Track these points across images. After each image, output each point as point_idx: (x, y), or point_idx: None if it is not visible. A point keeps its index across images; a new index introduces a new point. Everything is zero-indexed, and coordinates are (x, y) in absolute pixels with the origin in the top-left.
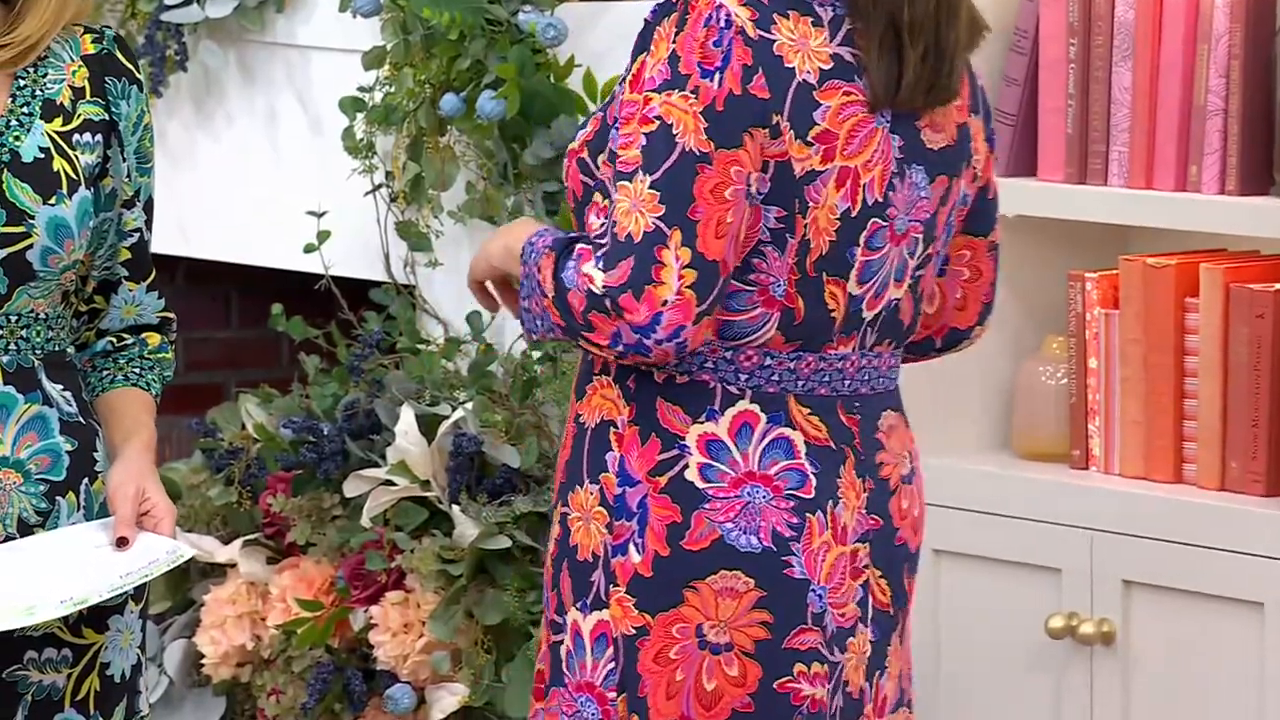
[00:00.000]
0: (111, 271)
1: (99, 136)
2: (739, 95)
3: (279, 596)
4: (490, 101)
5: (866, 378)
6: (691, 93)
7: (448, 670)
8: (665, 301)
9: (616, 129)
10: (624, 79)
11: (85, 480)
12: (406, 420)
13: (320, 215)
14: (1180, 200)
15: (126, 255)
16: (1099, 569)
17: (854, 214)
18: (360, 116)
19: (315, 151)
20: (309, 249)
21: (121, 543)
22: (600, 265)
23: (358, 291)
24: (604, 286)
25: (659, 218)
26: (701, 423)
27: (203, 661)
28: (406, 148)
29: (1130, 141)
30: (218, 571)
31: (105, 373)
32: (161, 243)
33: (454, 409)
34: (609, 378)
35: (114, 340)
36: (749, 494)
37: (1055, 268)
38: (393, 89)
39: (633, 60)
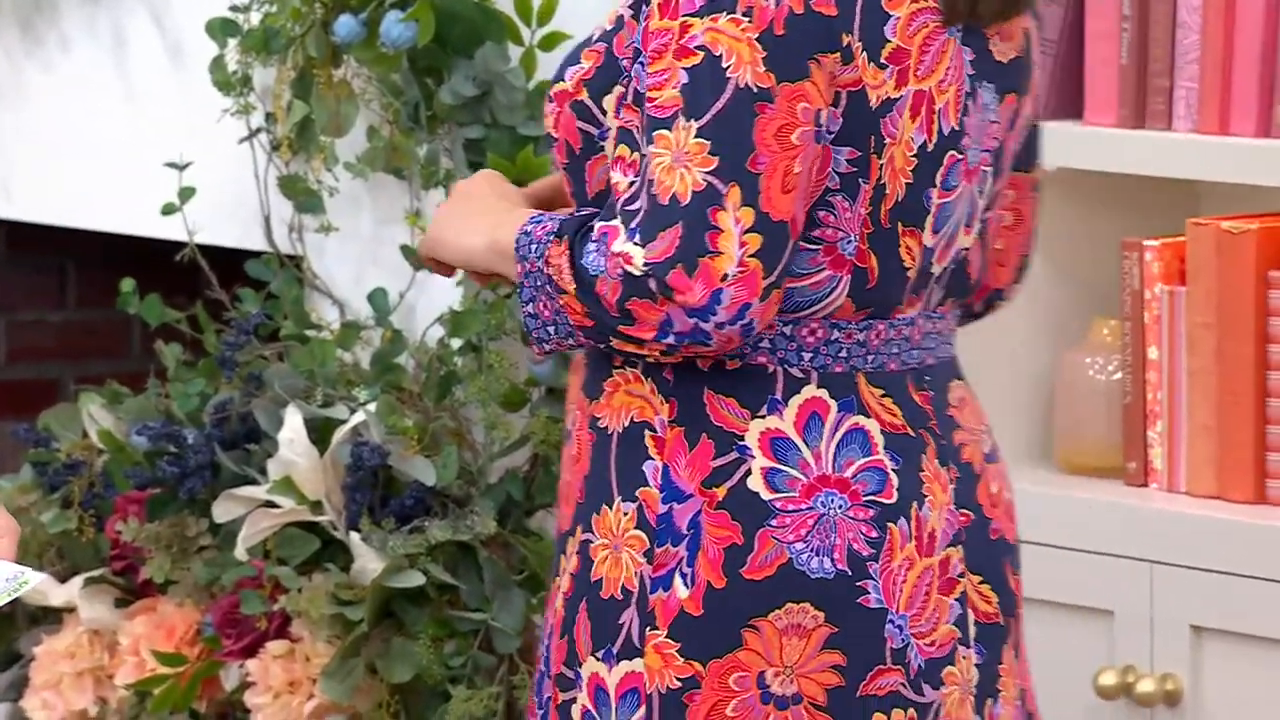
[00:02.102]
0: None
1: None
2: (800, 14)
3: (130, 648)
4: (397, 25)
5: (932, 344)
6: (743, 15)
7: None
8: (726, 275)
9: (644, 65)
10: (645, 3)
11: None
12: (292, 426)
13: (182, 168)
14: (1263, 149)
15: None
16: (1161, 612)
17: (930, 148)
18: (233, 43)
19: (176, 87)
20: (168, 210)
21: None
22: (637, 239)
23: (230, 263)
24: (647, 264)
25: (710, 172)
26: (763, 416)
27: None
28: (292, 83)
29: (1200, 75)
30: (52, 617)
31: None
32: None
33: (352, 411)
34: (635, 370)
35: None
36: (824, 504)
37: (1106, 234)
38: (274, 8)
39: None
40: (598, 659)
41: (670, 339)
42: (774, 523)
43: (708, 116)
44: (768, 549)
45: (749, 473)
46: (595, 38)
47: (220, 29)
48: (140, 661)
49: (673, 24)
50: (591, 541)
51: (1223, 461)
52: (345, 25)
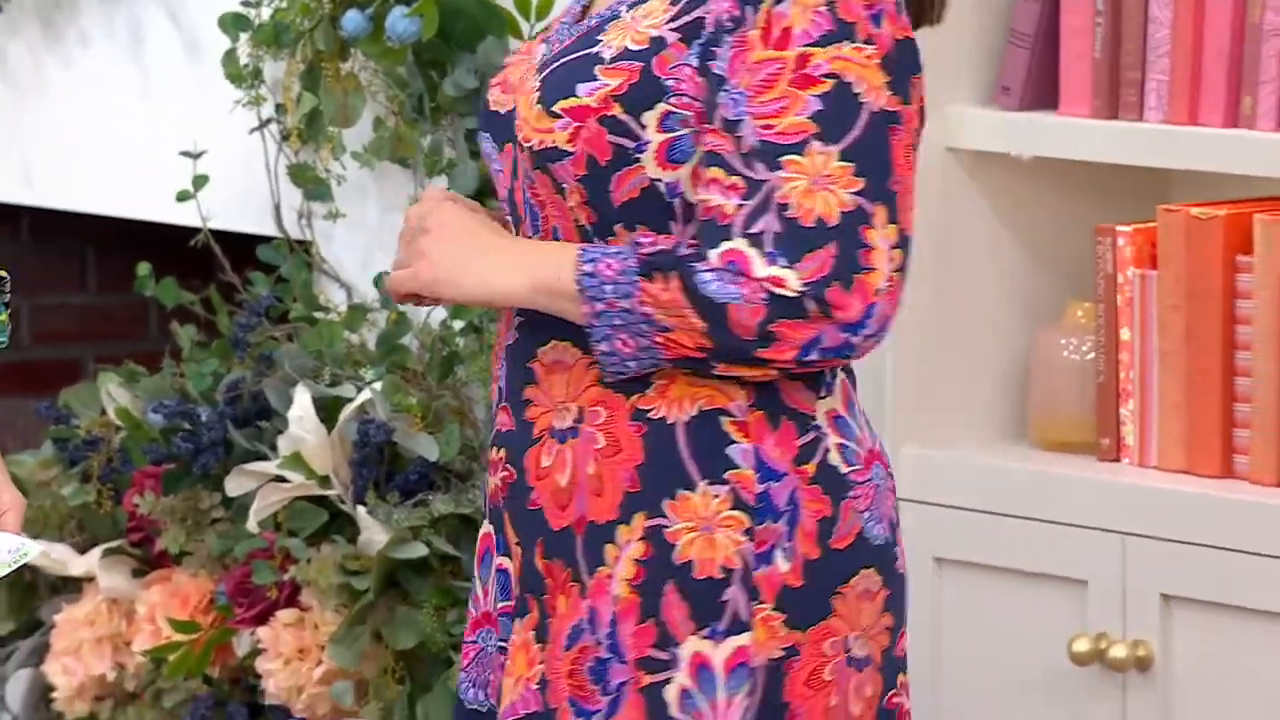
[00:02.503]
0: None
1: None
2: (900, 40)
3: (147, 616)
4: (402, 20)
5: None
6: (865, 43)
7: (351, 704)
8: (878, 290)
9: (735, 94)
10: (726, 33)
11: None
12: (301, 404)
13: (197, 156)
14: (1230, 138)
15: None
16: (1133, 581)
17: None
18: (245, 37)
19: (190, 80)
20: (183, 197)
21: None
22: (782, 261)
23: (242, 249)
24: (805, 284)
25: (859, 193)
26: (823, 398)
27: (53, 695)
28: (301, 75)
29: (1171, 68)
30: (72, 586)
31: None
32: (1, 189)
33: (359, 390)
34: None
35: None
36: (876, 475)
37: (1080, 220)
38: (284, 4)
39: (743, 10)
40: (701, 638)
41: (814, 355)
42: (852, 494)
43: (848, 140)
44: (848, 519)
45: (828, 449)
46: (611, 56)
47: (232, 24)
48: (156, 629)
49: (785, 54)
50: (666, 526)
51: (1192, 438)
52: (352, 20)
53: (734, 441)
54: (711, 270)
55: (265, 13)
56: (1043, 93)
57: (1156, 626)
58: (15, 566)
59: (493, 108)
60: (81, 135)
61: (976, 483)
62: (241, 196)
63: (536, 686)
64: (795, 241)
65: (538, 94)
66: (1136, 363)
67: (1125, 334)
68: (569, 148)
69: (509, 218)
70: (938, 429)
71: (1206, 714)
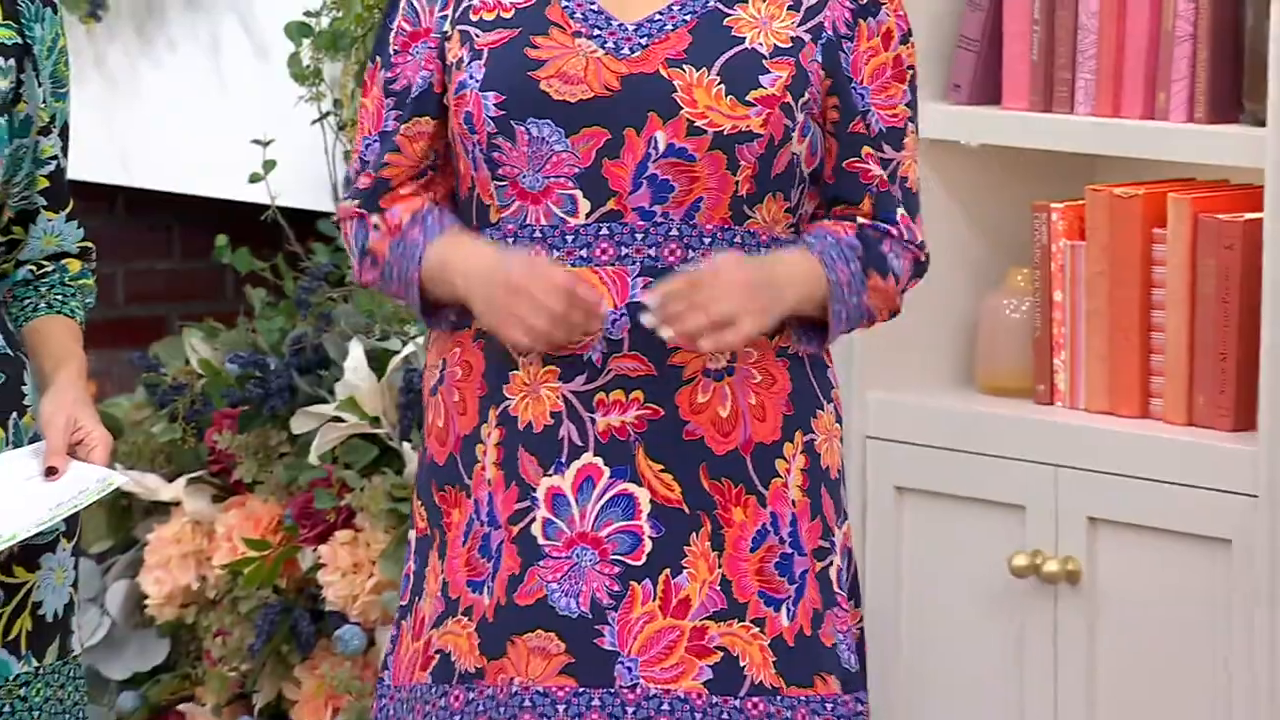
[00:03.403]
0: (29, 201)
1: (11, 61)
2: None
3: (225, 535)
4: None
5: None
6: (911, 34)
7: None
8: None
9: (861, 90)
10: (846, 39)
11: (14, 415)
12: (355, 355)
13: (266, 144)
14: (1147, 128)
15: (45, 184)
16: (1064, 506)
17: None
18: (307, 42)
19: (261, 78)
20: (254, 179)
21: (50, 472)
22: (918, 227)
23: (305, 222)
24: (927, 244)
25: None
26: None
27: (146, 602)
28: (355, 74)
29: (1097, 68)
30: (162, 510)
31: (27, 302)
32: (101, 171)
33: (404, 344)
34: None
35: (33, 269)
36: None
37: (1019, 198)
38: (340, 13)
39: (856, 21)
40: (839, 526)
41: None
42: None
43: (918, 119)
44: None
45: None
46: (768, 52)
47: (297, 31)
48: (233, 546)
49: (888, 55)
50: (815, 439)
51: (1114, 384)
52: None
53: (827, 365)
54: (889, 244)
55: (325, 21)
56: (988, 89)
57: (1084, 545)
58: (103, 494)
59: (559, 97)
60: (169, 126)
61: (931, 422)
62: (305, 178)
63: (719, 587)
64: (916, 207)
65: (721, 85)
66: (1067, 320)
67: (1058, 296)
68: (761, 131)
69: (574, 193)
70: (898, 376)
71: (1126, 620)
